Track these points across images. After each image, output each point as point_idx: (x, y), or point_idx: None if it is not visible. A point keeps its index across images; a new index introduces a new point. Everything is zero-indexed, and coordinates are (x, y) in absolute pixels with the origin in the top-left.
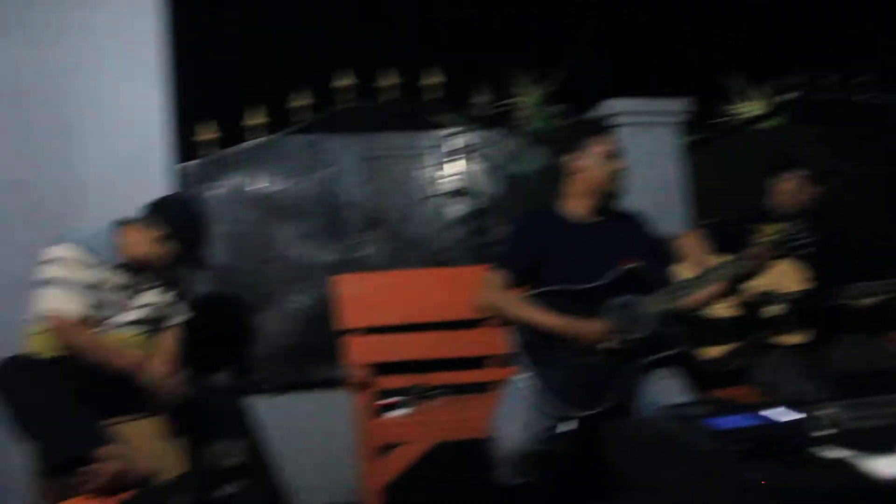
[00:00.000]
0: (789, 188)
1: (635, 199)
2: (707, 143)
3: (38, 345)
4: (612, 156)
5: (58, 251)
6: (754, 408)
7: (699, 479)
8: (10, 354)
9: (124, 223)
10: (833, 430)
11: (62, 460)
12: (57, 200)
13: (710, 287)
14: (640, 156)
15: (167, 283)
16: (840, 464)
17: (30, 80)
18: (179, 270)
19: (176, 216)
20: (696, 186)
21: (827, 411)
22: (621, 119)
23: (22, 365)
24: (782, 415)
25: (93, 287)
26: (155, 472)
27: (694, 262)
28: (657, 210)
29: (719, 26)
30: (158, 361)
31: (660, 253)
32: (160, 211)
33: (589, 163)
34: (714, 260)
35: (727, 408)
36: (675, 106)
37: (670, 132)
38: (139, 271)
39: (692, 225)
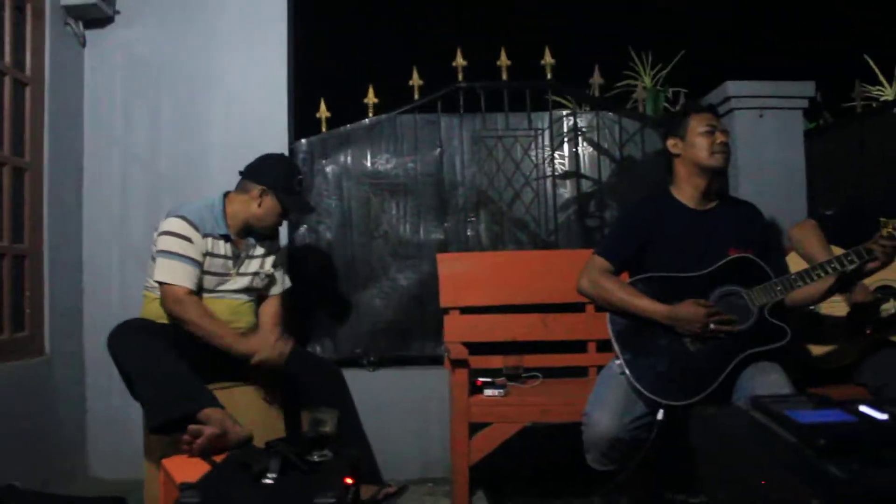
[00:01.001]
0: None
1: (753, 186)
2: (833, 128)
3: (151, 311)
4: (711, 130)
5: (170, 224)
6: (852, 405)
7: (785, 472)
8: (130, 318)
9: (228, 193)
10: None
11: (167, 420)
12: (179, 173)
13: (822, 280)
14: (761, 141)
15: (272, 252)
16: None
17: (161, 59)
18: (276, 241)
19: (268, 171)
20: (818, 174)
21: None
22: (741, 102)
23: (134, 328)
24: (879, 413)
25: (202, 259)
26: (251, 436)
27: (808, 253)
28: (776, 197)
29: (849, 3)
30: (255, 341)
31: (771, 243)
32: (253, 171)
33: (690, 142)
34: (830, 252)
35: (823, 403)
36: (799, 89)
37: (793, 117)
38: (246, 238)
39: (811, 214)
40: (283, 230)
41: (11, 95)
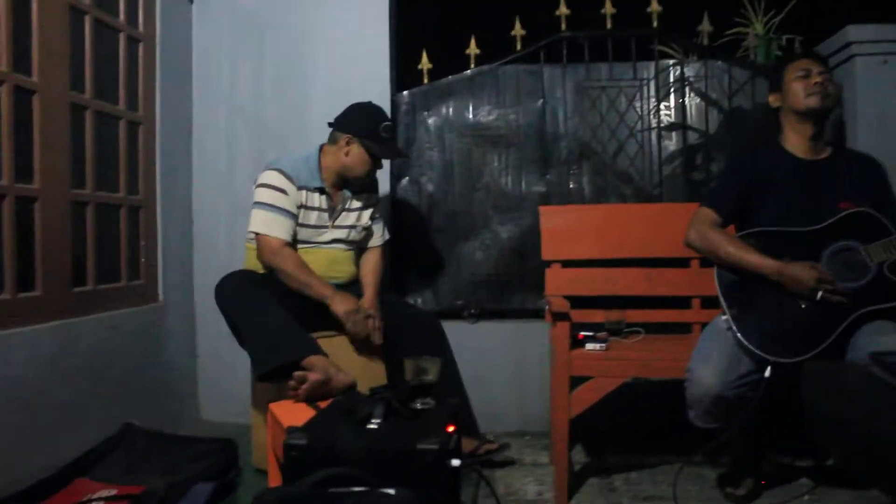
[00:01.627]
0: None
1: (873, 137)
2: None
3: (253, 261)
4: (807, 74)
5: (268, 177)
6: None
7: None
8: (236, 269)
9: (323, 146)
10: None
11: (272, 367)
12: (283, 126)
13: None
14: (884, 90)
15: (369, 205)
16: None
17: (266, 14)
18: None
19: (354, 120)
20: None
21: None
22: (863, 49)
23: (239, 280)
24: None
25: (297, 211)
26: (355, 382)
27: None
28: None
29: None
30: (344, 303)
31: (890, 198)
32: (340, 121)
33: (786, 91)
34: None
35: None
36: None
37: None
38: (342, 190)
39: None
40: (385, 182)
41: (126, 52)
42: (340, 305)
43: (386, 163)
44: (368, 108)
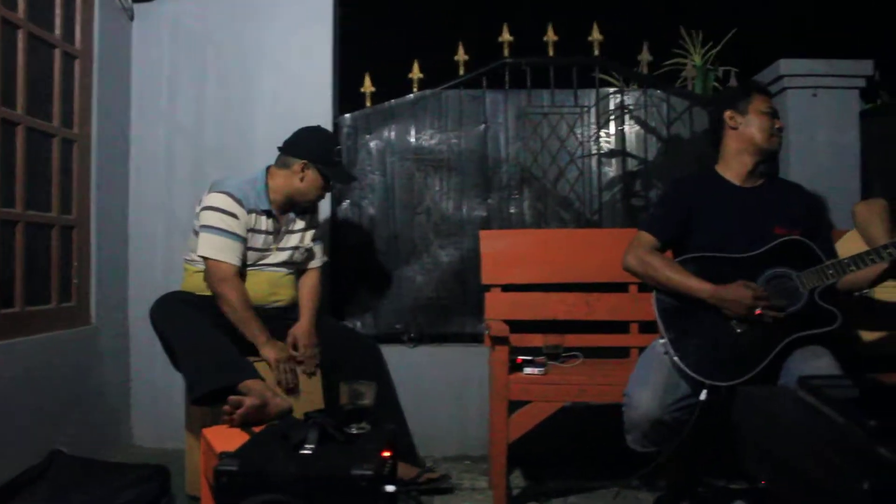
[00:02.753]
0: None
1: (803, 168)
2: (892, 109)
3: (192, 283)
4: (773, 113)
5: (216, 200)
6: None
7: (832, 454)
8: (172, 290)
9: (270, 168)
10: None
11: (208, 391)
12: (224, 147)
13: (874, 266)
14: (813, 122)
15: (311, 226)
16: None
17: (208, 32)
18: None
19: (308, 144)
20: (875, 157)
21: None
22: (794, 81)
23: (176, 301)
24: None
25: (246, 234)
26: (291, 407)
27: (868, 233)
28: (827, 180)
29: None
30: (275, 351)
31: (819, 225)
32: (293, 145)
33: (750, 119)
34: (892, 236)
35: (872, 384)
36: (856, 68)
37: (849, 97)
38: (288, 212)
39: (865, 197)
40: (326, 205)
41: (61, 68)
42: (271, 352)
43: None
44: (320, 132)
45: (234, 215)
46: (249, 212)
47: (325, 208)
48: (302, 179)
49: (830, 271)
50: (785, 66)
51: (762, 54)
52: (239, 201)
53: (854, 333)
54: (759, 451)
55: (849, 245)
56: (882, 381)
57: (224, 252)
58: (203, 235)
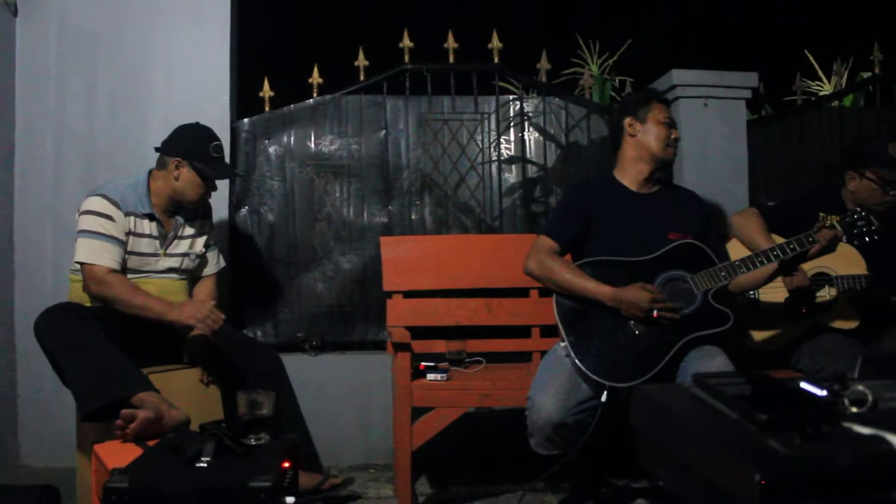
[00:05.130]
0: (866, 187)
1: (696, 174)
2: (774, 120)
3: (78, 294)
4: (670, 123)
5: (91, 203)
6: (792, 382)
7: (726, 448)
8: (59, 302)
9: (152, 170)
10: (866, 409)
11: (99, 406)
12: (116, 150)
13: (762, 267)
14: (705, 130)
15: (203, 232)
16: (867, 439)
17: (99, 30)
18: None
19: (181, 141)
20: (760, 164)
21: (862, 389)
22: (686, 91)
23: (62, 312)
24: (818, 389)
25: (125, 237)
26: (188, 419)
27: (749, 240)
28: (718, 186)
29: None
30: (188, 308)
31: (711, 229)
32: (167, 143)
33: (648, 127)
34: (771, 240)
35: (763, 380)
36: (743, 80)
37: (737, 107)
38: (174, 217)
39: (752, 203)
40: (223, 211)
41: None
42: (186, 311)
43: (223, 190)
44: (196, 128)
45: (109, 217)
46: (128, 214)
47: (221, 214)
48: (177, 178)
49: (723, 273)
50: (677, 76)
51: (656, 65)
52: (115, 203)
53: (743, 333)
54: (656, 450)
55: (731, 252)
56: (772, 376)
57: (99, 255)
58: (79, 241)
